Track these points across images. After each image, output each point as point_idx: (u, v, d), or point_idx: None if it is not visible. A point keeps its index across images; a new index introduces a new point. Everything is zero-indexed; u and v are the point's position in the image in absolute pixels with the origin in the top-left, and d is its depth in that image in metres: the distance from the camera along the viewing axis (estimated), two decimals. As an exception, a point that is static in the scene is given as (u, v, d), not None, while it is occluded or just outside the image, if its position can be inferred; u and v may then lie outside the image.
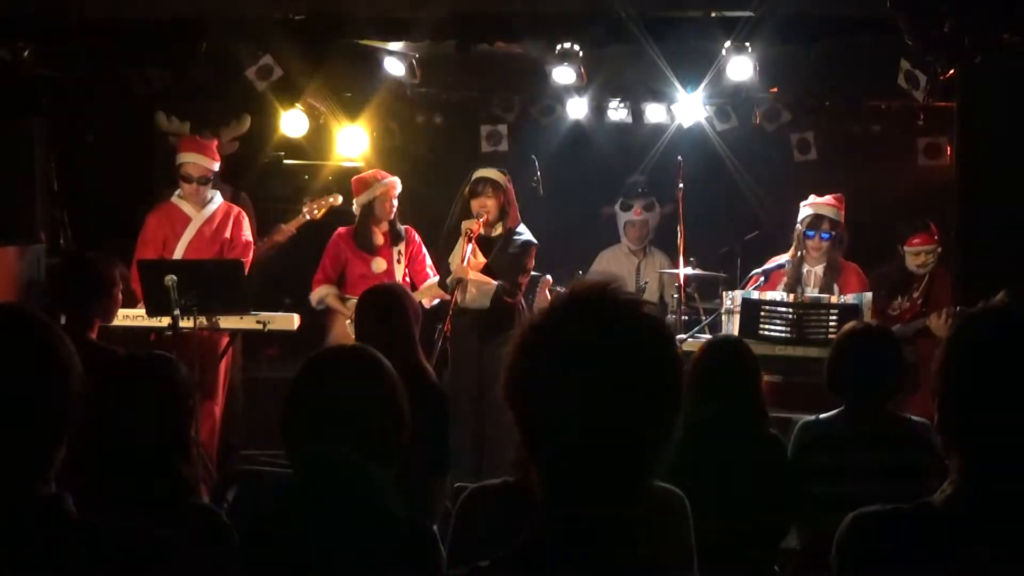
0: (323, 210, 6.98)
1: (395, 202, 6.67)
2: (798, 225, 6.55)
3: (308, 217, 6.93)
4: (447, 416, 4.17)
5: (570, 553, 1.51)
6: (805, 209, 6.55)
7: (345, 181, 7.09)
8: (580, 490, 1.52)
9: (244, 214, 6.68)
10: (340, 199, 6.93)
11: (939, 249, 6.68)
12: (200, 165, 6.48)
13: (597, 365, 1.48)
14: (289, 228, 6.95)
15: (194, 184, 6.46)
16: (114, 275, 4.75)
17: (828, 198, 6.55)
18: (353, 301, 6.53)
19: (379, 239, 6.66)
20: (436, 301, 6.40)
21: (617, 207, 7.91)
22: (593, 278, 1.76)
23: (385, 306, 4.30)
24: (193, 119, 7.37)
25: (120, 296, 4.81)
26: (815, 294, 6.36)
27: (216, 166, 6.59)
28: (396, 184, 6.69)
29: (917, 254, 6.74)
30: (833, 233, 6.46)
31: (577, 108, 7.98)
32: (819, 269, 6.51)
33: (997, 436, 1.75)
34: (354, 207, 6.73)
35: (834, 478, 3.76)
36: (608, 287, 1.55)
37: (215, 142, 6.72)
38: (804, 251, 6.53)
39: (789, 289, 6.41)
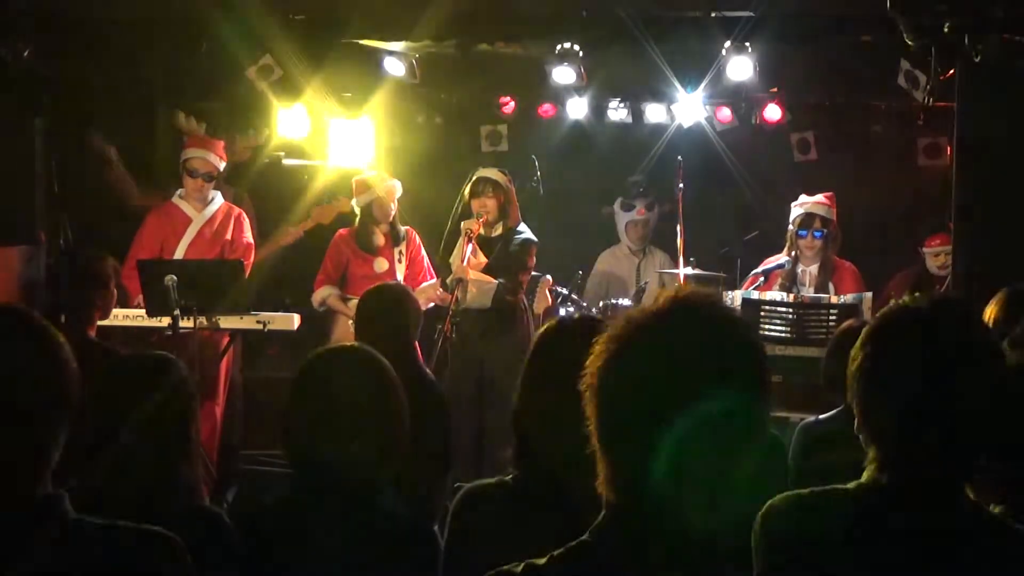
0: (331, 215, 6.98)
1: (394, 206, 6.65)
2: (790, 225, 6.55)
3: (315, 222, 6.93)
4: (447, 416, 4.18)
5: (633, 551, 1.51)
6: (796, 209, 6.56)
7: (345, 181, 7.09)
8: (655, 490, 1.52)
9: (245, 215, 6.67)
10: (350, 205, 6.92)
11: None
12: (207, 160, 6.48)
13: (692, 368, 1.50)
14: (296, 232, 6.96)
15: (198, 180, 6.45)
16: (109, 270, 4.79)
17: (819, 197, 6.55)
18: (355, 301, 6.56)
19: (380, 239, 6.66)
20: (431, 304, 6.38)
21: (618, 207, 7.91)
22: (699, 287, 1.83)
23: (386, 306, 4.31)
24: (211, 122, 7.33)
25: (115, 291, 4.85)
26: (811, 293, 6.37)
27: (222, 165, 6.59)
28: (395, 188, 6.67)
29: (936, 255, 6.76)
30: (825, 231, 6.47)
31: (577, 108, 7.98)
32: (813, 268, 6.52)
33: (907, 430, 1.82)
34: (354, 206, 6.74)
35: (836, 478, 3.74)
36: (713, 296, 1.57)
37: (222, 141, 6.70)
38: (798, 251, 6.53)
39: (785, 289, 6.41)
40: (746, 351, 1.55)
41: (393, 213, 6.65)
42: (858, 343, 1.92)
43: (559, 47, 6.88)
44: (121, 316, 5.92)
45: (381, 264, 6.60)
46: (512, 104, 8.16)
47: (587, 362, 1.56)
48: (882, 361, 1.87)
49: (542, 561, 1.56)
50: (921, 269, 6.85)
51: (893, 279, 6.97)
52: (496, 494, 2.31)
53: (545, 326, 2.50)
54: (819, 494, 1.88)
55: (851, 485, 1.86)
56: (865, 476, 1.87)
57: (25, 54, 6.42)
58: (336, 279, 6.65)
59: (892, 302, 1.95)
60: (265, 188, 7.93)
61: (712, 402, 1.49)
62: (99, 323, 5.74)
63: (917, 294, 1.93)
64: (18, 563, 1.70)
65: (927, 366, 1.81)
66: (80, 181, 7.15)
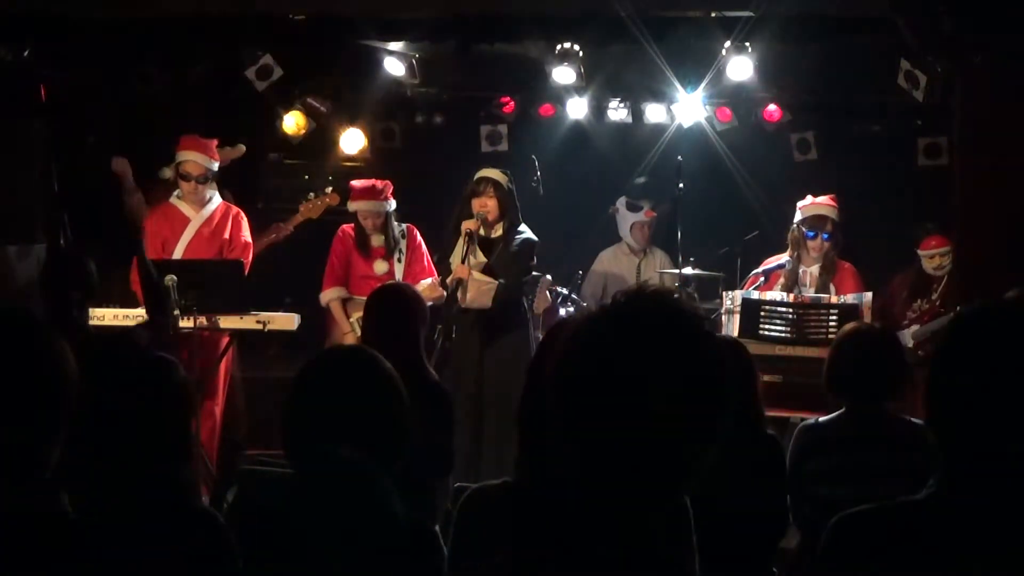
0: (320, 209, 6.96)
1: (373, 221, 6.54)
2: (797, 226, 6.55)
3: (304, 217, 6.91)
4: (450, 416, 4.17)
5: (594, 553, 1.51)
6: (805, 210, 6.55)
7: (345, 181, 7.08)
8: (610, 491, 1.51)
9: (243, 214, 6.66)
10: (338, 198, 6.90)
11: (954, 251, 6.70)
12: (199, 164, 6.46)
13: (649, 368, 1.48)
14: (286, 227, 6.94)
15: (192, 183, 6.44)
16: (93, 268, 4.89)
17: (825, 199, 6.56)
18: (358, 301, 6.55)
19: (378, 241, 6.64)
20: (429, 303, 6.34)
21: (623, 207, 7.90)
22: (658, 286, 1.77)
23: (392, 306, 4.31)
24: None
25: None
26: (811, 294, 6.37)
27: (215, 165, 6.56)
28: (373, 208, 6.50)
29: (931, 257, 6.76)
30: (832, 233, 6.48)
31: (577, 108, 7.98)
32: (815, 269, 6.52)
33: (979, 434, 1.73)
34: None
35: (835, 481, 3.74)
36: (673, 296, 1.56)
37: (215, 141, 6.69)
38: (803, 251, 6.53)
39: (786, 290, 6.41)
40: (699, 357, 1.53)
41: (377, 228, 6.57)
42: (937, 341, 1.84)
43: (559, 47, 6.88)
44: (121, 316, 5.92)
45: (381, 266, 6.59)
46: (512, 104, 8.16)
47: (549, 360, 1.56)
48: (953, 361, 1.77)
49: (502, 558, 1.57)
50: (919, 270, 6.87)
51: (893, 281, 6.97)
52: (500, 496, 2.31)
53: (552, 326, 2.50)
54: (888, 506, 1.78)
55: (922, 494, 1.77)
56: (934, 483, 1.77)
57: (25, 54, 6.42)
58: (343, 277, 6.62)
59: (977, 302, 1.87)
60: (265, 188, 7.95)
61: (658, 403, 1.48)
62: (99, 323, 5.77)
63: (1011, 293, 1.83)
64: (17, 563, 1.70)
65: (998, 368, 1.71)
66: (80, 181, 7.16)
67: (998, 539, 1.70)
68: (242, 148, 7.35)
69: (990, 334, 1.76)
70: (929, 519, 1.74)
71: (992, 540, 1.70)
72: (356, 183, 6.67)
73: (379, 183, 6.61)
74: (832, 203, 6.55)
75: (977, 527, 1.71)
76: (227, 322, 6.01)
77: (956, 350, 1.78)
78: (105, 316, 5.90)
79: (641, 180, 7.99)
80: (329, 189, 7.00)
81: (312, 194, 7.09)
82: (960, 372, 1.76)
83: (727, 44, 6.66)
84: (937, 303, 6.65)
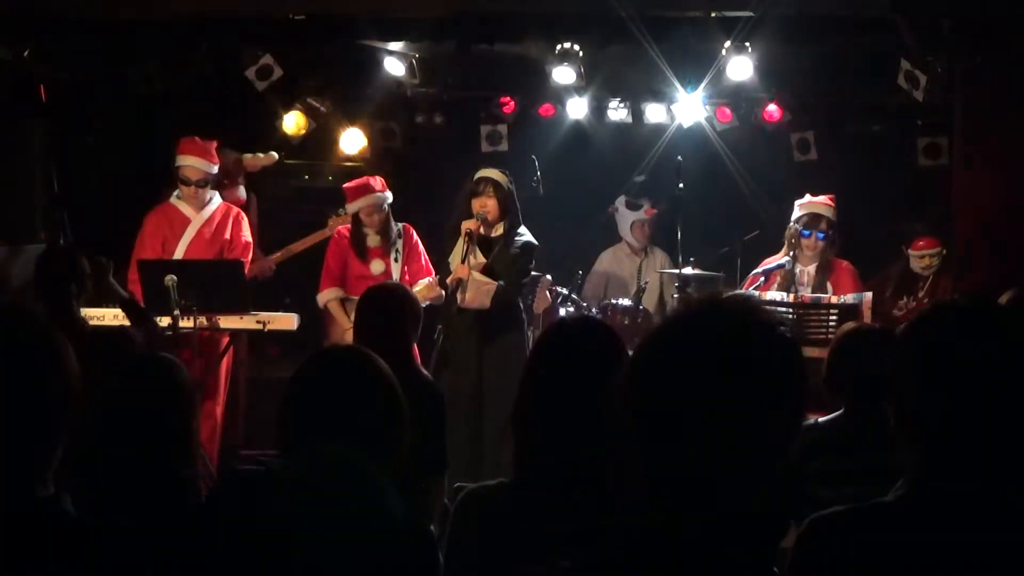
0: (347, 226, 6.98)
1: (378, 216, 6.55)
2: (794, 224, 6.55)
3: (332, 230, 6.88)
4: (444, 415, 4.17)
5: (653, 556, 1.50)
6: (801, 208, 6.56)
7: (345, 181, 7.08)
8: (686, 497, 1.50)
9: (243, 214, 6.66)
10: None
11: (943, 251, 6.72)
12: (198, 169, 6.44)
13: (726, 373, 1.47)
14: (311, 240, 6.95)
15: (192, 187, 6.43)
16: (86, 264, 4.93)
17: (823, 198, 6.57)
18: (355, 301, 6.54)
19: (374, 241, 6.64)
20: (427, 303, 6.33)
21: (623, 206, 7.90)
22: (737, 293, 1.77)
23: (384, 306, 4.30)
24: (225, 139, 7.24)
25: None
26: (809, 293, 6.37)
27: (215, 168, 6.55)
28: (378, 202, 6.51)
29: (921, 257, 6.80)
30: (828, 233, 6.49)
31: (577, 108, 7.98)
32: (811, 268, 6.53)
33: (946, 434, 1.73)
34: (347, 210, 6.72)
35: (836, 481, 3.72)
36: (753, 300, 1.55)
37: (215, 143, 6.68)
38: (798, 250, 6.53)
39: (783, 289, 6.41)
40: (777, 356, 1.51)
41: (379, 223, 6.56)
42: (894, 343, 1.83)
43: (559, 47, 6.88)
44: (121, 316, 5.92)
45: (377, 266, 6.59)
46: (512, 104, 8.15)
47: (628, 358, 1.54)
48: (914, 362, 1.78)
49: (567, 563, 1.54)
50: (905, 268, 6.89)
51: (875, 276, 6.97)
52: (497, 496, 2.31)
53: (547, 327, 2.50)
54: (859, 508, 1.79)
55: (890, 495, 1.79)
56: (903, 485, 1.78)
57: (25, 54, 6.43)
58: (339, 277, 6.62)
59: (928, 301, 1.89)
60: (265, 188, 7.94)
61: (738, 405, 1.47)
62: (98, 323, 5.77)
63: (1007, 294, 1.83)
64: (19, 564, 1.70)
65: (959, 366, 1.72)
66: (80, 181, 7.16)
67: (965, 539, 1.70)
68: (274, 156, 7.34)
69: (952, 335, 1.75)
70: (898, 520, 1.75)
71: (959, 540, 1.70)
72: (349, 185, 6.66)
73: (371, 178, 6.61)
74: (830, 203, 6.56)
75: (944, 528, 1.71)
76: (227, 322, 6.01)
77: (918, 351, 1.78)
78: (105, 316, 5.90)
79: (640, 179, 7.99)
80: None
81: (342, 210, 7.01)
82: (924, 374, 1.76)
83: (727, 44, 6.66)
84: (925, 301, 6.67)
